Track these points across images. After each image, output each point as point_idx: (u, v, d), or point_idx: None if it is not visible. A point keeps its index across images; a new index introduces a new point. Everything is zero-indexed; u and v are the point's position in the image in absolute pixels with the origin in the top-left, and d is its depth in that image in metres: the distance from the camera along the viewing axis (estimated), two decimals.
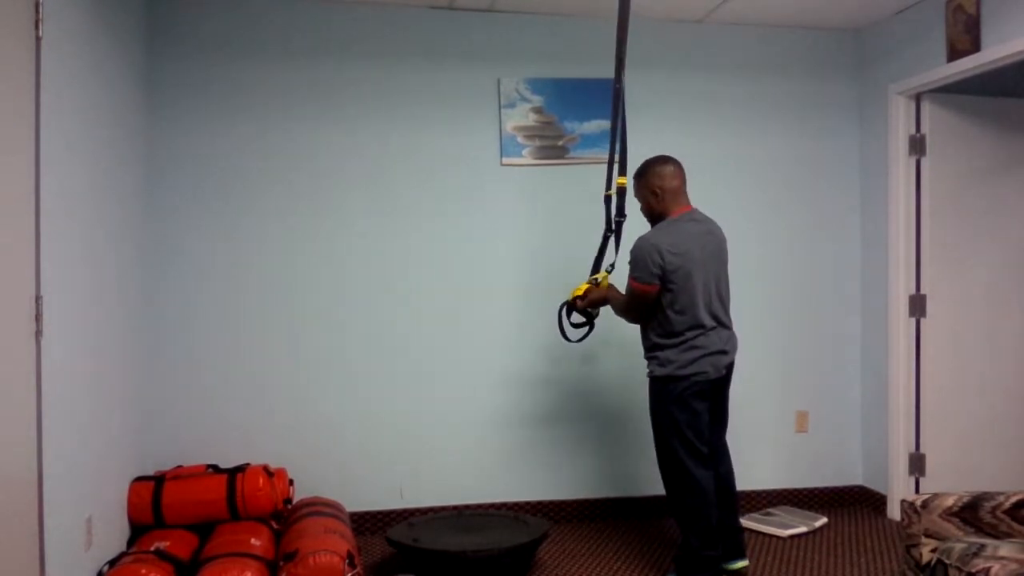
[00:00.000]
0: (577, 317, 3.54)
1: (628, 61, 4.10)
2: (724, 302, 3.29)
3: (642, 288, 3.16)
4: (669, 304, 3.16)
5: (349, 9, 3.99)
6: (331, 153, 3.98)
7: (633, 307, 3.26)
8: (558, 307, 3.55)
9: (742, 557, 3.41)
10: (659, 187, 3.25)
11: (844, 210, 4.45)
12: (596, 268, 3.49)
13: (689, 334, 3.16)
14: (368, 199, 4.02)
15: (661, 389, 3.22)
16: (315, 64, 3.96)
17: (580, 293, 3.44)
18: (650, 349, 3.28)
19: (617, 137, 3.39)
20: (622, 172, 3.41)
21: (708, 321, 3.19)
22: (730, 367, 3.29)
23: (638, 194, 3.35)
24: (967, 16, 3.67)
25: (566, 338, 3.55)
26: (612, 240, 3.46)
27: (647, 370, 3.30)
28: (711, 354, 3.18)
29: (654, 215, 3.31)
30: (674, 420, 3.18)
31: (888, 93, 4.18)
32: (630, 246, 3.29)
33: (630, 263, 3.21)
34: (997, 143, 4.11)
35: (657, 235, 3.21)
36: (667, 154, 3.35)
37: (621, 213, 3.44)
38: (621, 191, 3.40)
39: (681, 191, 3.29)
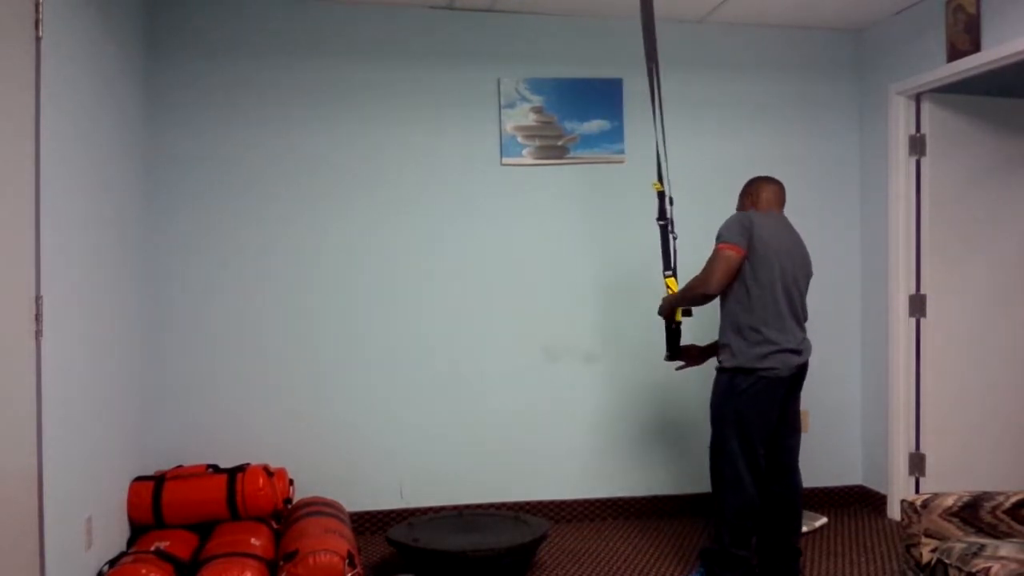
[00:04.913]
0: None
1: (629, 61, 4.12)
2: (803, 306, 3.25)
3: (728, 248, 3.09)
4: (752, 276, 3.10)
5: (349, 9, 3.99)
6: (331, 153, 3.98)
7: (709, 272, 3.14)
8: (670, 327, 3.47)
9: None
10: (757, 193, 3.32)
11: (844, 210, 4.45)
12: (667, 263, 3.48)
13: (764, 328, 3.10)
14: (367, 199, 4.02)
15: (728, 381, 3.16)
16: (315, 65, 3.96)
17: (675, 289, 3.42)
18: (723, 334, 3.21)
19: (658, 127, 3.49)
20: (659, 177, 3.48)
21: (785, 311, 3.14)
22: (802, 369, 3.22)
23: (739, 198, 3.41)
24: (967, 16, 3.67)
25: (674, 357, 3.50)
26: (672, 236, 3.47)
27: (718, 360, 3.23)
28: (783, 351, 3.11)
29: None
30: (736, 415, 3.12)
31: (888, 93, 4.18)
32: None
33: (717, 236, 3.17)
34: (997, 143, 4.11)
35: (751, 212, 3.23)
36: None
37: (663, 216, 3.47)
38: (660, 195, 3.46)
39: (775, 203, 3.32)
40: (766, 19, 4.25)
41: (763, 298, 3.11)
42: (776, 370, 3.11)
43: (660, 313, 3.46)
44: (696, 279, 3.23)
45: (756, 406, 3.12)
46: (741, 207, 3.37)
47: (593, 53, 4.18)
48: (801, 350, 3.19)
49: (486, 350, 4.12)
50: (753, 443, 3.13)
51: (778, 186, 3.36)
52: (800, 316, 3.23)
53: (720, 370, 3.22)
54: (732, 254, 3.10)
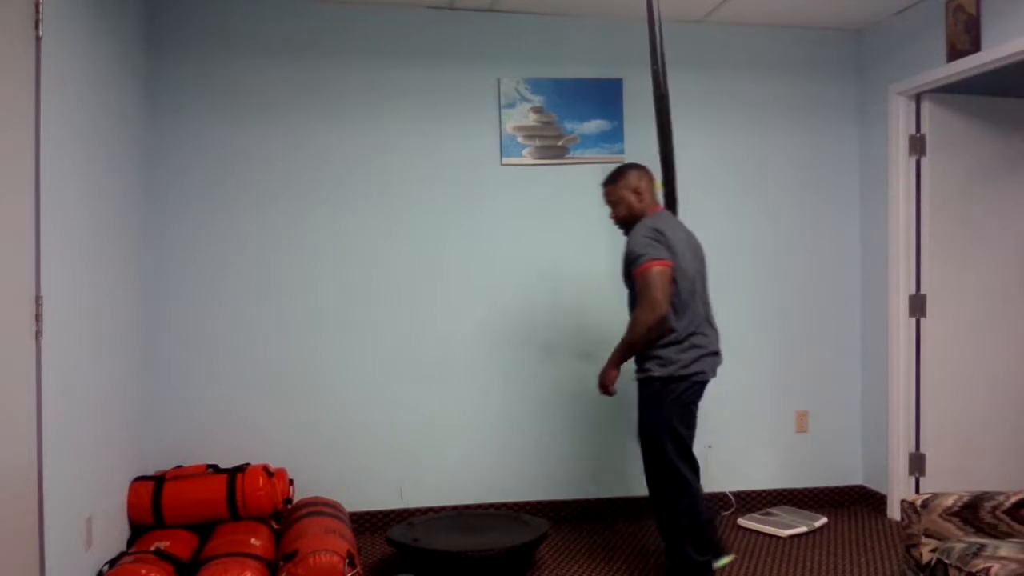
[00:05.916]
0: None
1: (629, 61, 4.12)
2: (709, 302, 3.27)
3: (656, 263, 3.02)
4: (674, 292, 3.08)
5: (349, 9, 3.99)
6: (331, 153, 3.98)
7: (650, 294, 3.02)
8: None
9: (726, 552, 3.41)
10: (638, 188, 3.26)
11: (844, 210, 4.45)
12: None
13: (692, 336, 3.12)
14: (367, 199, 4.02)
15: (660, 390, 3.13)
16: (315, 65, 3.96)
17: None
18: (649, 346, 3.14)
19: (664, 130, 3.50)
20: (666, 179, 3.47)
21: (702, 315, 3.17)
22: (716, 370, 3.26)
23: (615, 196, 3.29)
24: (967, 16, 3.67)
25: None
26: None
27: (641, 371, 3.17)
28: (709, 355, 3.17)
29: (633, 216, 3.25)
30: (670, 422, 3.12)
31: (888, 93, 4.18)
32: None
33: (636, 256, 3.08)
34: (997, 143, 4.11)
35: (651, 222, 3.17)
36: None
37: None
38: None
39: (652, 193, 3.31)
40: (766, 19, 4.25)
41: (685, 305, 3.11)
42: (704, 374, 3.15)
43: (605, 380, 3.26)
44: (638, 314, 3.08)
45: (687, 410, 3.16)
46: (627, 207, 3.25)
47: (593, 53, 4.18)
48: (719, 351, 3.23)
49: (486, 350, 4.12)
50: (689, 446, 3.16)
51: (647, 170, 3.32)
52: (711, 314, 3.26)
53: (648, 379, 3.15)
54: (664, 268, 3.04)
